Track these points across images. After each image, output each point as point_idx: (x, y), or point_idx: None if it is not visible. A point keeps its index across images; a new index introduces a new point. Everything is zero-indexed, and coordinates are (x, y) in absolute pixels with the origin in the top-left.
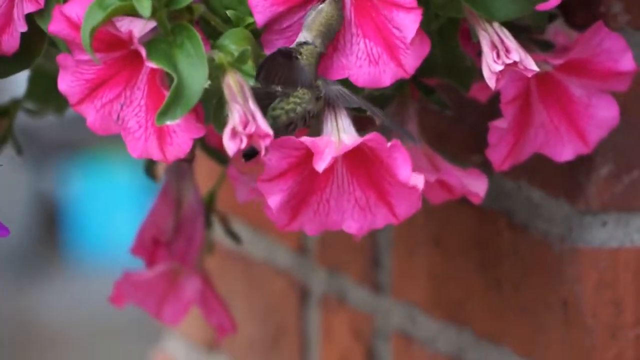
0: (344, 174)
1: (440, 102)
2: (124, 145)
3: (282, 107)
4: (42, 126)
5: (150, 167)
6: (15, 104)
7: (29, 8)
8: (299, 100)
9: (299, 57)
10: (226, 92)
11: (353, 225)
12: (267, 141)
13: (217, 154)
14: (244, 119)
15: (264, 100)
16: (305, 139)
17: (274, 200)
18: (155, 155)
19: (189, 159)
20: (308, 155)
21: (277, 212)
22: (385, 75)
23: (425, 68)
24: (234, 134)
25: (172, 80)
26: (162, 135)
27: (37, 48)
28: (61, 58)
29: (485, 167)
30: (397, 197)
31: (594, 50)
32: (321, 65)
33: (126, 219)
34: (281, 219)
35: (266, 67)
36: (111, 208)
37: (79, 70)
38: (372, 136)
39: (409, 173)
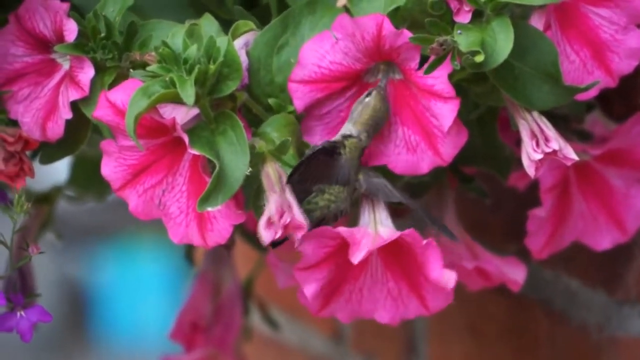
0: (378, 265)
1: (478, 191)
2: (153, 231)
3: (317, 203)
4: (71, 210)
5: (189, 252)
6: (56, 191)
7: (74, 95)
8: (333, 198)
9: (342, 151)
10: (264, 181)
11: (385, 315)
12: (302, 233)
13: (256, 240)
14: (280, 209)
15: (300, 194)
16: (342, 230)
17: (309, 288)
18: (196, 240)
19: (229, 245)
20: (344, 245)
21: (312, 300)
22: (423, 163)
23: (464, 156)
24: (270, 224)
25: (213, 166)
26: (202, 221)
27: (81, 135)
28: (105, 144)
29: (522, 255)
30: (430, 290)
31: (633, 141)
32: None
33: (154, 305)
34: (314, 306)
35: (305, 165)
36: (139, 294)
37: (122, 155)
38: (408, 232)
39: (441, 272)
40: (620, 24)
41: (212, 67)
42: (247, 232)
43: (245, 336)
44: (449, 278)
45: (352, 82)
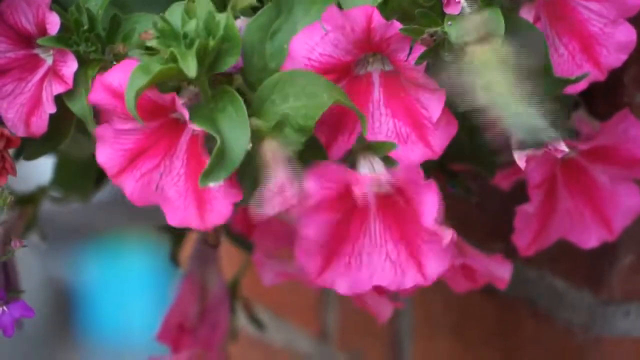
0: (377, 226)
1: (464, 188)
2: (138, 231)
3: None
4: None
5: (175, 253)
6: (41, 192)
7: (58, 89)
8: None
9: None
10: (267, 155)
11: (384, 279)
12: (306, 202)
13: (242, 240)
14: (281, 183)
15: None
16: (346, 170)
17: (310, 231)
18: (195, 222)
19: (215, 245)
20: (347, 192)
21: (310, 255)
22: (414, 154)
23: (451, 153)
24: (280, 191)
25: (213, 145)
26: (201, 202)
27: (65, 130)
28: (100, 130)
29: (508, 255)
30: (427, 255)
31: (619, 138)
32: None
33: (140, 306)
34: (313, 265)
35: None
36: (125, 295)
37: (118, 140)
38: (408, 170)
39: (433, 218)
40: (609, 18)
41: (212, 41)
42: (232, 232)
43: (232, 337)
44: (446, 233)
45: (342, 74)
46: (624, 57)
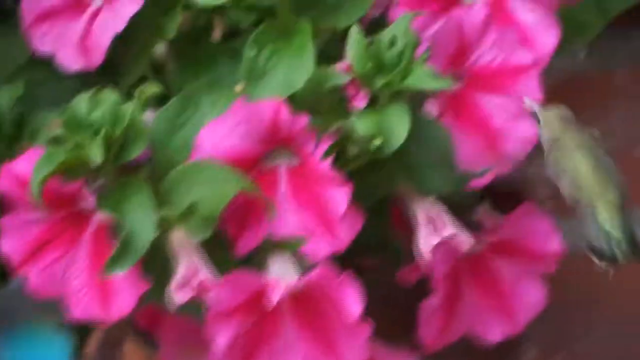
0: (292, 328)
1: (370, 282)
2: (51, 322)
3: None
4: None
5: (78, 349)
6: None
7: None
8: None
9: None
10: (173, 245)
11: None
12: (213, 291)
13: (147, 337)
14: (191, 270)
15: None
16: (257, 276)
17: (221, 339)
18: (99, 314)
19: (119, 343)
20: (259, 297)
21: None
22: (321, 248)
23: (358, 247)
24: (182, 284)
25: (118, 235)
26: (105, 294)
27: None
28: (5, 220)
29: (415, 348)
30: (345, 351)
31: (523, 232)
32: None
33: None
34: None
35: None
36: None
37: (23, 230)
38: (321, 270)
39: (360, 308)
40: (512, 112)
41: (117, 130)
42: (137, 328)
43: None
44: (366, 327)
45: (249, 167)
46: (527, 150)
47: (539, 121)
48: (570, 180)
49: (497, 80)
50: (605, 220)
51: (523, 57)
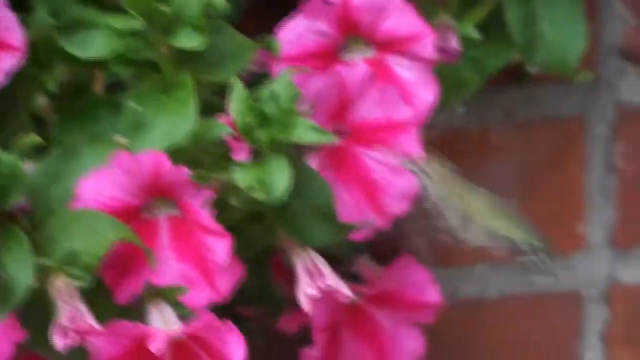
0: None
1: (251, 332)
2: None
3: None
4: None
5: None
6: None
7: None
8: None
9: None
10: (53, 292)
11: None
12: (95, 337)
13: None
14: (72, 316)
15: None
16: (137, 326)
17: None
18: None
19: None
20: (140, 345)
21: None
22: (200, 298)
23: (239, 296)
24: (63, 331)
25: None
26: None
27: None
28: None
29: None
30: None
31: (401, 282)
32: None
33: None
34: None
35: None
36: None
37: None
38: (202, 319)
39: (241, 357)
40: (390, 165)
41: None
42: None
43: None
44: None
45: (130, 217)
46: (405, 204)
47: (420, 174)
48: (457, 209)
49: (377, 135)
50: (499, 227)
51: (403, 112)
